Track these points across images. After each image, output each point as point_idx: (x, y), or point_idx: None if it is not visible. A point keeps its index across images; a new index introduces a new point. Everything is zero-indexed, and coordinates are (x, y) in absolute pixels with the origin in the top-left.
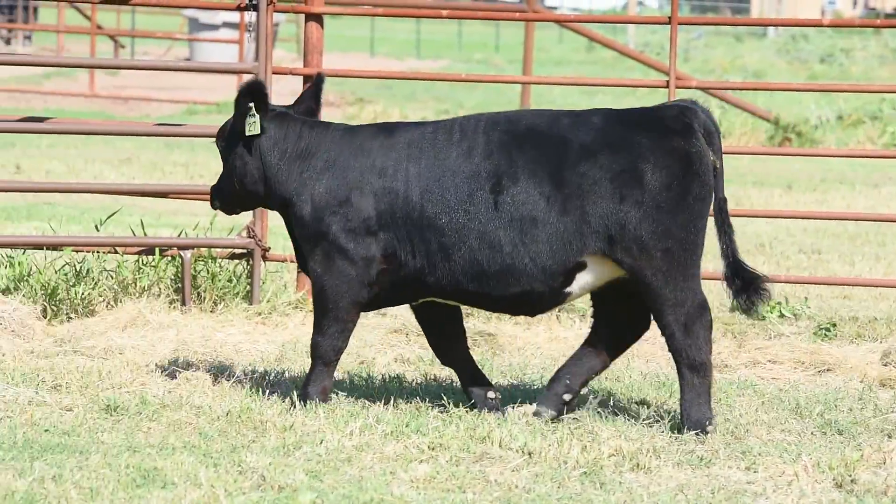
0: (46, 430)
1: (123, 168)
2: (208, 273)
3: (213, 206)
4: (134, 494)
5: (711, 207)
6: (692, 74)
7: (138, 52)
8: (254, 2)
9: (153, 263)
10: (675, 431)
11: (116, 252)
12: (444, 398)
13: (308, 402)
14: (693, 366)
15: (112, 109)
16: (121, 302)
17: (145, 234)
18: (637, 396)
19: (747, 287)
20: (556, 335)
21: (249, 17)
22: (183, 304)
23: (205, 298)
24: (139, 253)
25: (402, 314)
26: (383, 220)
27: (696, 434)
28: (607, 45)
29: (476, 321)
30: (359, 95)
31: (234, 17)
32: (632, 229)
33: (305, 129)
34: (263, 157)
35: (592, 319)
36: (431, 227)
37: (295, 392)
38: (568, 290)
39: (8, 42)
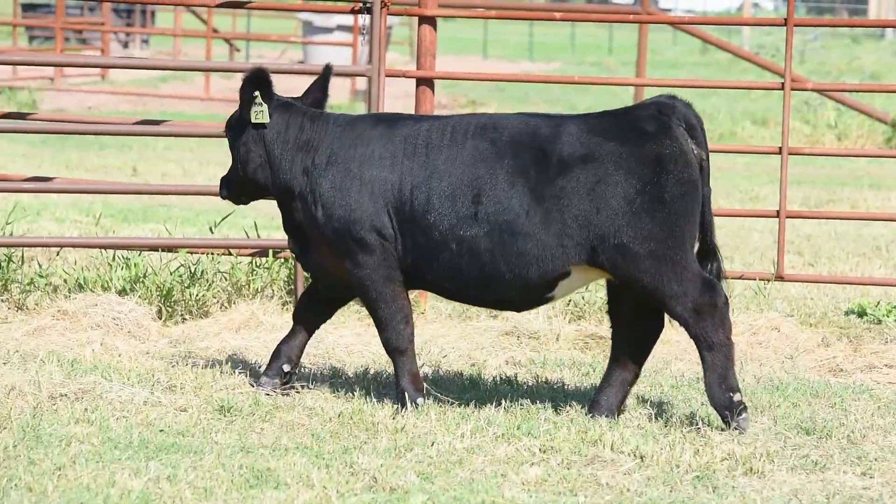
0: (161, 431)
1: None
2: None
3: (222, 196)
4: (247, 495)
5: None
6: (808, 76)
7: (253, 55)
8: (368, 5)
9: (266, 265)
10: (790, 435)
11: (230, 254)
12: (556, 401)
13: (407, 396)
14: (711, 346)
15: (227, 112)
16: (234, 303)
17: (259, 236)
18: (750, 400)
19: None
20: (668, 338)
21: (363, 20)
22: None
23: None
24: (253, 255)
25: (514, 317)
26: (382, 208)
27: (725, 417)
28: (721, 47)
29: (587, 324)
30: (471, 98)
31: (347, 20)
32: (612, 239)
33: (307, 121)
34: (266, 146)
35: (611, 331)
36: (418, 224)
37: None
38: (550, 294)
39: (125, 46)
